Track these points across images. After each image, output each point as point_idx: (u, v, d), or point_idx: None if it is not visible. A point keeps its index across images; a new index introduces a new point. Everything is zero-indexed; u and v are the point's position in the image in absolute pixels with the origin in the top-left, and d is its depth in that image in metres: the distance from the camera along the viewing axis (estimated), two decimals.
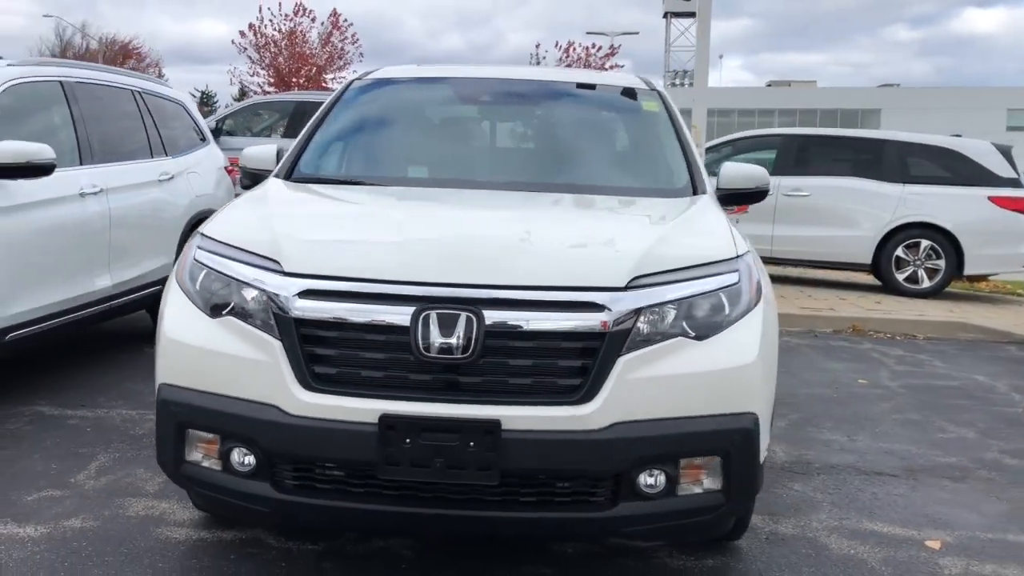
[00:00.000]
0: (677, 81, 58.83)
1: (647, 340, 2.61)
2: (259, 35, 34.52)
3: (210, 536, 3.27)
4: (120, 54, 63.06)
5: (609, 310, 2.57)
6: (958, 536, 3.52)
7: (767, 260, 10.20)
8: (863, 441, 4.70)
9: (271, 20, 34.33)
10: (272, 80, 35.05)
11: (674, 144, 3.88)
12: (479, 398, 2.54)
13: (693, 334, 2.68)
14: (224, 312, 2.71)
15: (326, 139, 3.93)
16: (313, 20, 35.15)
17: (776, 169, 10.22)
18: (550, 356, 2.56)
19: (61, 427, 4.44)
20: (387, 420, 2.51)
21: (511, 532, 2.70)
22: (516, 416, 2.51)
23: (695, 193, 3.61)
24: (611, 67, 36.01)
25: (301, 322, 2.59)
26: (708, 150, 10.81)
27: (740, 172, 3.85)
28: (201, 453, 2.74)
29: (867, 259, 9.87)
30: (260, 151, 3.90)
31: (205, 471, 2.74)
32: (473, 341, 2.52)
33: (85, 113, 5.32)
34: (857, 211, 9.88)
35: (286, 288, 2.63)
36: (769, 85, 65.04)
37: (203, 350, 2.71)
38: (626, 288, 2.62)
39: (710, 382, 2.66)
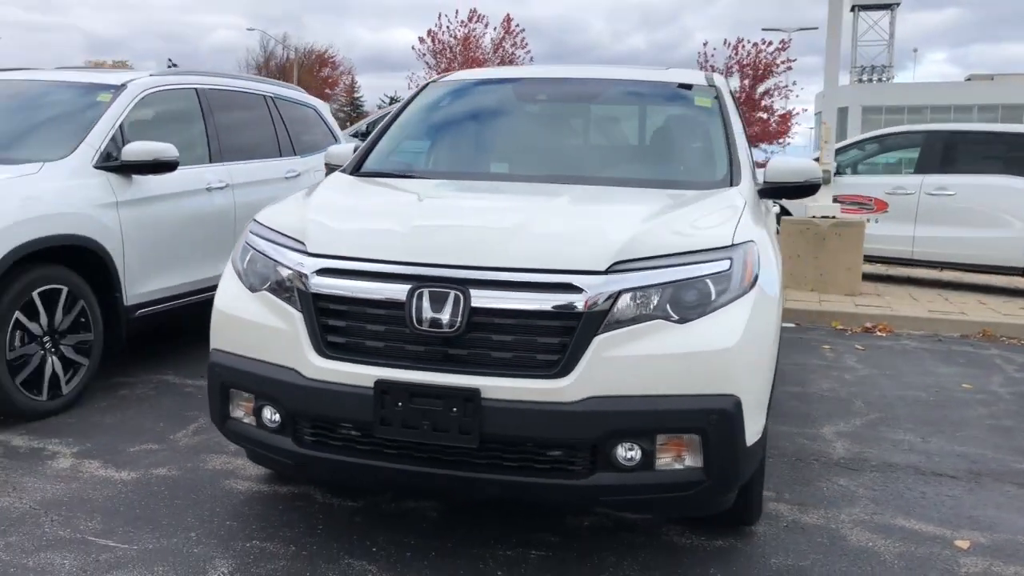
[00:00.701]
0: (865, 77, 56.28)
1: (626, 321, 2.78)
2: (436, 41, 36.06)
3: (268, 489, 3.69)
4: (316, 63, 67.04)
5: (586, 292, 2.76)
6: (995, 538, 3.44)
7: (907, 263, 9.83)
8: (936, 443, 4.59)
9: (447, 27, 35.78)
10: None
11: (719, 138, 3.97)
12: (463, 368, 2.79)
13: (676, 317, 2.82)
14: (262, 287, 3.10)
15: (394, 137, 4.29)
16: (486, 26, 36.36)
17: (919, 167, 9.80)
18: (530, 333, 2.78)
19: (178, 394, 5.02)
20: (382, 385, 2.81)
21: (494, 493, 2.92)
22: (495, 386, 2.75)
23: (731, 185, 3.70)
24: (783, 63, 35.00)
25: (317, 296, 2.93)
26: (848, 147, 10.50)
27: (788, 166, 3.90)
28: (241, 410, 3.13)
29: (1020, 262, 9.31)
30: (341, 149, 4.32)
31: (244, 426, 3.13)
32: (460, 317, 2.77)
33: (216, 116, 5.95)
34: (1008, 211, 9.33)
35: (307, 266, 2.98)
36: (969, 79, 60.98)
37: (243, 320, 3.11)
38: (607, 272, 2.80)
39: (688, 363, 2.79)
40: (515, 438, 2.78)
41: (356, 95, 69.38)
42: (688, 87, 4.30)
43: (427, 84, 4.64)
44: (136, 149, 5.00)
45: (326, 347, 2.91)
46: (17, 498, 3.54)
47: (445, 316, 2.78)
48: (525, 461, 2.82)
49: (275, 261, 3.09)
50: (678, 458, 2.84)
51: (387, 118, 4.38)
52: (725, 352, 2.82)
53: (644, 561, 3.15)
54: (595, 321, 2.76)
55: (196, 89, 5.91)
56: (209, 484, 3.72)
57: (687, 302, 2.86)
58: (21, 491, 3.61)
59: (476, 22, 35.53)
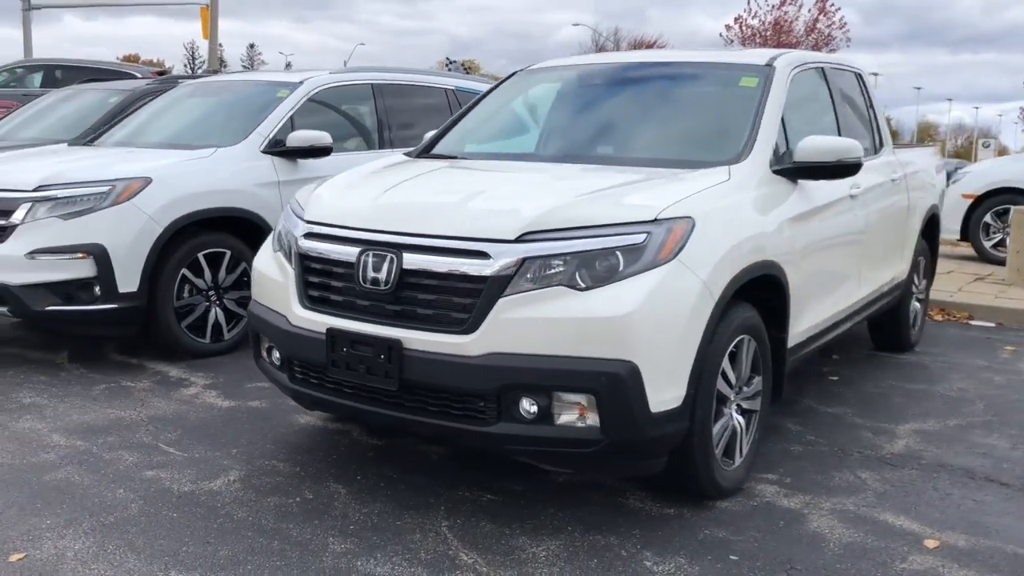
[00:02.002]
0: None
1: (530, 286, 3.04)
2: (744, 27, 35.23)
3: (320, 424, 4.32)
4: None
5: (494, 258, 3.06)
6: (978, 543, 3.21)
7: None
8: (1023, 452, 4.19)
9: (756, 11, 34.80)
10: None
11: (748, 117, 3.96)
12: (392, 321, 3.21)
13: (582, 285, 3.03)
14: (279, 249, 3.72)
15: (470, 120, 4.73)
16: (799, 8, 34.83)
17: None
18: (446, 293, 3.14)
19: None
20: (332, 332, 3.31)
21: (423, 432, 3.31)
22: (415, 338, 3.14)
23: (738, 162, 3.72)
24: None
25: (302, 256, 3.50)
26: None
27: (817, 145, 3.84)
28: (266, 352, 3.78)
29: None
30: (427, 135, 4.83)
31: (268, 365, 3.78)
32: (392, 276, 3.20)
33: (389, 108, 6.71)
34: None
35: (299, 230, 3.55)
36: None
37: (265, 276, 3.75)
38: (515, 241, 3.07)
39: (585, 328, 3.00)
40: (428, 384, 3.15)
41: None
42: (742, 67, 4.30)
43: (514, 72, 5.02)
44: (298, 136, 5.87)
45: (306, 299, 3.46)
46: (137, 412, 4.47)
47: (382, 275, 3.22)
48: (443, 407, 3.18)
49: (287, 227, 3.70)
50: (581, 417, 3.05)
51: (470, 103, 4.83)
52: (620, 319, 2.98)
53: (582, 516, 3.36)
54: (500, 285, 3.05)
55: (371, 84, 6.72)
56: (279, 416, 4.42)
57: (593, 271, 3.05)
58: (145, 407, 4.55)
59: (789, 4, 34.29)
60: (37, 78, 14.88)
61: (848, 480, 3.78)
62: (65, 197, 5.13)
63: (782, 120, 4.06)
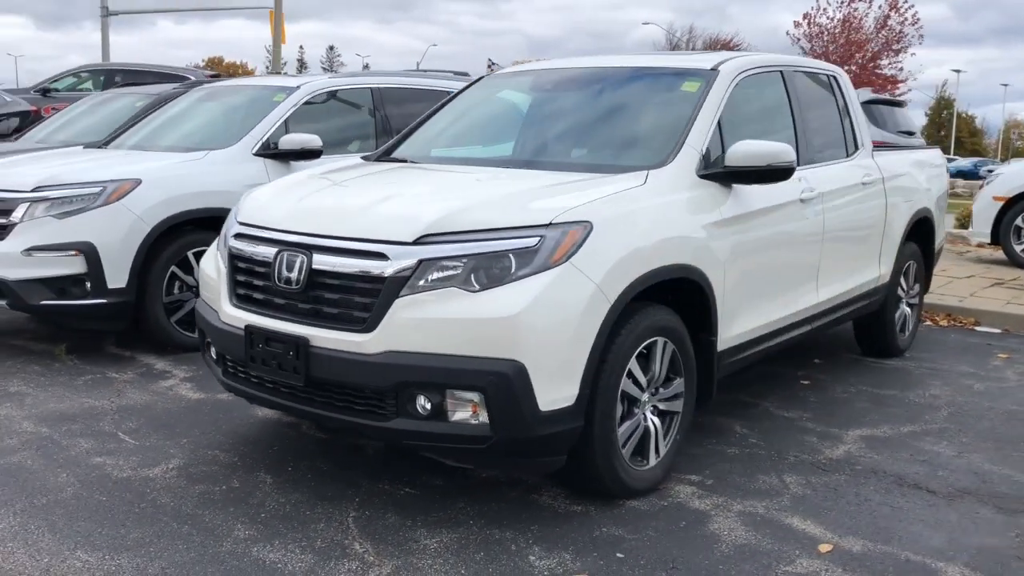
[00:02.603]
0: None
1: (425, 287, 3.15)
2: (813, 24, 34.54)
3: (274, 418, 4.49)
4: (722, 51, 67.38)
5: (392, 260, 3.19)
6: (875, 549, 3.21)
7: None
8: (969, 460, 4.12)
9: (825, 8, 34.09)
10: None
11: (681, 122, 4.00)
12: (302, 319, 3.36)
13: (476, 287, 3.13)
14: (218, 248, 3.91)
15: (433, 124, 4.85)
16: (870, 5, 33.99)
17: None
18: (349, 292, 3.27)
19: None
20: (249, 329, 3.48)
21: (335, 426, 3.44)
22: (320, 336, 3.29)
23: (660, 167, 3.77)
24: None
25: (231, 255, 3.68)
26: None
27: (749, 150, 3.86)
28: (206, 347, 3.97)
29: None
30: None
31: (209, 359, 3.97)
32: (302, 276, 3.35)
33: (389, 112, 6.88)
34: None
35: (231, 230, 3.73)
36: None
37: (205, 273, 3.94)
38: (413, 244, 3.19)
39: (474, 328, 3.10)
40: (332, 381, 3.29)
41: None
42: (687, 72, 4.33)
43: (480, 78, 5.12)
44: (289, 139, 6.08)
45: (235, 297, 3.64)
46: (111, 402, 4.72)
47: (294, 275, 3.37)
48: (347, 402, 3.31)
49: (225, 227, 3.88)
50: (475, 414, 3.16)
51: (432, 109, 4.96)
52: (507, 320, 3.08)
53: (488, 511, 3.46)
54: (398, 285, 3.17)
55: (371, 88, 6.90)
56: (240, 409, 4.60)
57: (487, 273, 3.15)
58: (120, 397, 4.80)
59: (859, 1, 33.40)
60: (99, 82, 15.52)
61: (771, 484, 3.79)
62: (60, 197, 5.42)
63: (719, 124, 4.08)
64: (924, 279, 6.28)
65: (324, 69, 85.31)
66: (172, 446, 4.09)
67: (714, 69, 4.27)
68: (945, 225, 6.80)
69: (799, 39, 35.14)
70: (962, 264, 9.58)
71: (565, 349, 3.17)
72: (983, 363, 5.91)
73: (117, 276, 5.42)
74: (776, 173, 3.89)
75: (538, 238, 3.18)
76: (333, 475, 3.78)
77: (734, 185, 3.99)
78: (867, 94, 11.22)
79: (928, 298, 7.46)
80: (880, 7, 34.33)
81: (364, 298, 3.23)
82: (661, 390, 3.68)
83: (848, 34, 34.52)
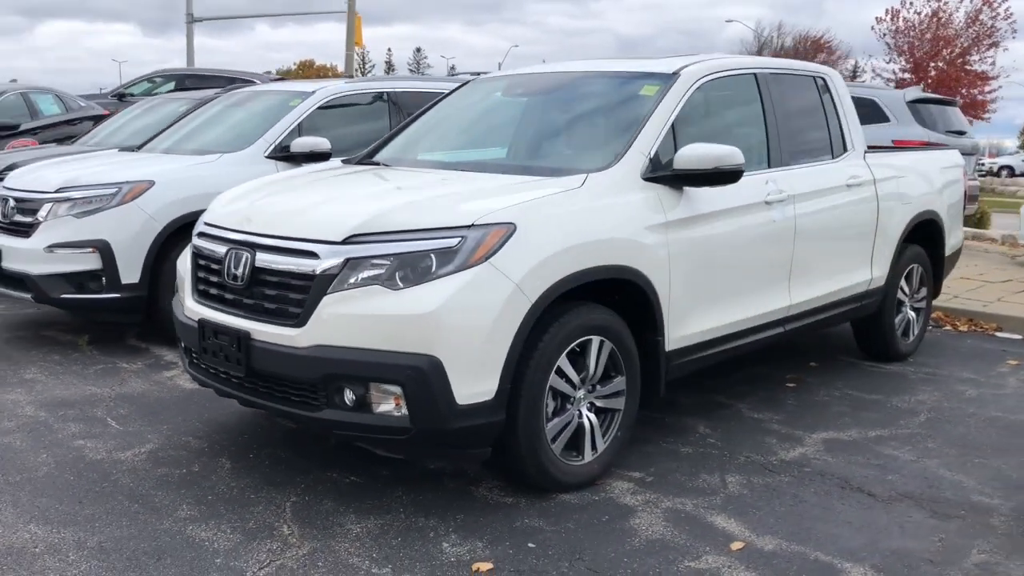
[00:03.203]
0: None
1: (352, 284, 3.32)
2: (898, 19, 33.56)
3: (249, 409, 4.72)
4: (812, 49, 66.18)
5: (322, 258, 3.37)
6: (785, 548, 3.24)
7: None
8: (924, 465, 4.08)
9: (912, 2, 33.09)
10: (908, 65, 33.76)
11: (633, 126, 4.07)
12: (246, 314, 3.57)
13: (399, 285, 3.29)
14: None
15: (413, 128, 5.02)
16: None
17: None
18: (285, 289, 3.47)
19: None
20: (201, 323, 3.71)
21: (270, 413, 3.63)
22: (260, 330, 3.49)
23: (604, 170, 3.86)
24: None
25: (193, 253, 3.92)
26: None
27: (696, 153, 3.92)
28: (179, 339, 4.22)
29: None
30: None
31: (180, 351, 4.22)
32: (247, 273, 3.56)
33: (404, 116, 7.08)
34: None
35: (198, 229, 3.97)
36: None
37: (178, 270, 4.19)
38: (342, 243, 3.36)
39: (395, 324, 3.26)
40: (269, 373, 3.49)
41: (857, 79, 66.91)
42: (647, 77, 4.39)
43: (467, 81, 5.27)
44: (301, 142, 6.33)
45: (196, 292, 3.88)
46: (111, 390, 5.03)
47: (239, 271, 3.59)
48: (284, 393, 3.51)
49: (197, 227, 4.13)
50: (397, 407, 3.31)
51: (417, 113, 5.14)
52: (424, 317, 3.23)
53: (422, 500, 3.61)
54: (327, 282, 3.35)
55: (387, 92, 7.12)
56: (224, 400, 4.82)
57: (410, 272, 3.30)
58: (122, 386, 5.11)
59: None
60: (170, 86, 16.22)
61: (710, 483, 3.84)
62: (80, 198, 5.79)
63: (674, 128, 4.13)
64: (932, 283, 6.16)
65: (411, 71, 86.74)
66: (151, 432, 4.36)
67: (675, 73, 4.33)
68: (961, 228, 6.63)
69: (884, 35, 34.19)
70: (1005, 267, 9.29)
71: (482, 345, 3.29)
72: (988, 369, 5.78)
73: (130, 272, 5.75)
74: (724, 176, 3.94)
75: (459, 239, 3.31)
76: (289, 463, 3.98)
77: (686, 188, 4.04)
78: (914, 93, 10.99)
79: (951, 303, 7.32)
80: (972, 1, 33.17)
81: (298, 294, 3.42)
82: (599, 387, 3.77)
83: (936, 29, 33.43)
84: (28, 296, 5.87)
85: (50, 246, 5.72)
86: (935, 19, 33.12)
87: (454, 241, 3.31)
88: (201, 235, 3.90)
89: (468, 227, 3.34)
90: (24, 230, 5.88)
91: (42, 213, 5.80)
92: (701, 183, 3.98)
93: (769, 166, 4.63)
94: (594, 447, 3.76)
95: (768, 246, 4.52)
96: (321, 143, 6.31)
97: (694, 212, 4.07)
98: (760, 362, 5.73)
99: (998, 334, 6.82)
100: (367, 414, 3.35)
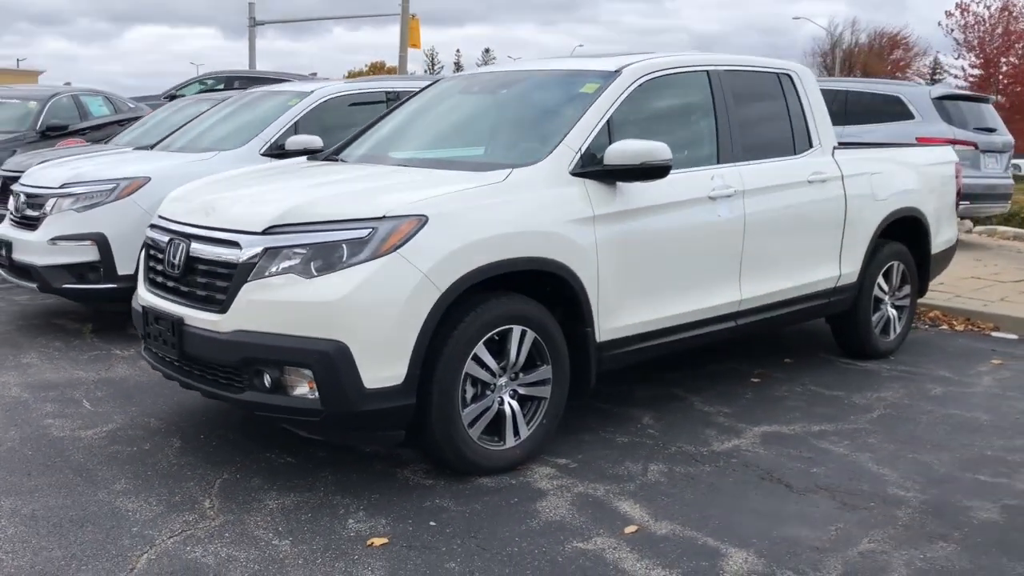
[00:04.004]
0: None
1: (269, 273, 3.52)
2: (967, 14, 32.67)
3: None
4: (888, 45, 64.90)
5: (243, 248, 3.56)
6: (677, 532, 3.32)
7: None
8: (855, 458, 4.09)
9: None
10: (978, 62, 32.83)
11: (567, 121, 4.18)
12: (180, 300, 3.80)
13: (314, 273, 3.47)
14: None
15: (382, 125, 5.20)
16: None
17: None
18: (213, 277, 3.68)
19: None
20: (144, 308, 3.95)
21: (204, 395, 3.83)
22: (191, 316, 3.71)
23: (532, 164, 3.98)
24: None
25: (145, 243, 4.16)
26: None
27: (624, 149, 4.02)
28: None
29: None
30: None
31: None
32: (182, 262, 3.78)
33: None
34: None
35: (151, 221, 4.21)
36: None
37: (139, 262, 4.44)
38: (262, 233, 3.56)
39: (306, 311, 3.45)
40: (197, 356, 3.70)
41: (937, 76, 65.41)
42: (590, 75, 4.49)
43: (436, 80, 5.43)
44: (294, 140, 6.51)
45: (146, 281, 4.12)
46: (96, 374, 5.33)
47: (176, 260, 3.81)
48: (213, 375, 3.72)
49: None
50: (311, 390, 3.49)
51: (390, 108, 5.32)
52: (332, 304, 3.41)
53: (346, 481, 3.77)
54: (247, 271, 3.54)
55: (386, 92, 7.34)
56: None
57: (323, 261, 3.48)
58: (108, 370, 5.40)
59: None
60: (219, 88, 16.75)
61: (631, 471, 3.93)
62: (81, 193, 6.12)
63: (609, 124, 4.22)
64: (917, 281, 6.10)
65: None
66: (119, 413, 4.62)
67: (617, 71, 4.42)
68: (954, 226, 6.54)
69: (952, 30, 33.33)
70: None
71: (389, 332, 3.44)
72: (967, 368, 5.71)
73: (126, 264, 6.05)
74: (651, 171, 4.02)
75: (370, 230, 3.47)
76: (235, 444, 4.19)
77: (620, 183, 4.13)
78: (941, 89, 10.80)
79: (951, 302, 7.23)
80: None
81: (223, 282, 3.62)
82: (522, 375, 3.88)
83: (1007, 23, 32.45)
84: (34, 285, 6.22)
85: (53, 239, 6.06)
86: (1005, 13, 32.16)
87: (365, 232, 3.47)
88: (152, 227, 4.14)
89: (379, 219, 3.50)
90: (32, 223, 6.24)
91: (47, 207, 6.15)
92: (630, 178, 4.07)
93: (718, 162, 4.68)
94: (516, 433, 3.88)
95: (713, 241, 4.58)
96: (314, 141, 6.51)
97: (628, 206, 4.16)
98: (732, 357, 5.77)
99: (993, 334, 6.71)
100: (284, 396, 3.53)
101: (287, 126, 6.76)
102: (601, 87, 4.33)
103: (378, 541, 3.25)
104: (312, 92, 7.04)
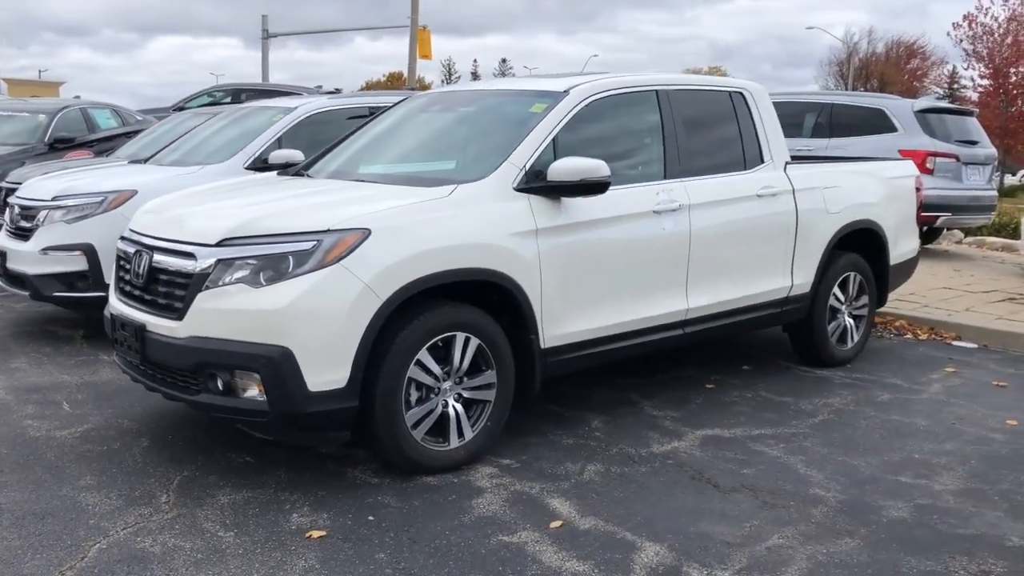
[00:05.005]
0: None
1: (222, 282, 3.76)
2: (975, 25, 32.69)
3: None
4: (905, 54, 64.82)
5: (198, 259, 3.82)
6: (600, 528, 3.53)
7: None
8: (786, 461, 4.30)
9: (989, 8, 32.19)
10: (987, 72, 32.83)
11: (512, 139, 4.41)
12: (143, 308, 4.05)
13: (263, 283, 3.72)
14: None
15: (344, 142, 5.45)
16: None
17: None
18: (171, 286, 3.93)
19: None
20: (112, 315, 4.21)
21: (165, 396, 4.07)
22: (152, 322, 3.96)
23: (476, 181, 4.21)
24: None
25: (117, 255, 4.42)
26: None
27: (566, 166, 4.25)
28: None
29: None
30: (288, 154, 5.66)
31: None
32: (145, 272, 4.04)
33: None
34: None
35: (122, 234, 4.48)
36: None
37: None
38: (216, 245, 3.81)
39: (254, 318, 3.69)
40: (158, 361, 3.96)
41: (955, 87, 65.22)
42: (540, 95, 4.72)
43: (406, 96, 5.69)
44: (277, 155, 6.77)
45: (117, 290, 4.38)
46: (80, 378, 5.59)
47: (140, 270, 4.07)
48: (172, 379, 3.97)
49: None
50: (260, 392, 3.73)
51: (360, 124, 5.57)
52: (277, 311, 3.65)
53: (300, 479, 4.00)
54: (201, 280, 3.79)
55: (369, 107, 7.59)
56: None
57: (271, 272, 3.73)
58: (92, 375, 5.67)
59: None
60: (227, 100, 17.11)
61: (569, 471, 4.14)
62: (72, 205, 6.41)
63: (555, 142, 4.45)
64: (874, 291, 6.28)
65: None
66: (95, 414, 4.88)
67: (565, 92, 4.65)
68: (915, 237, 6.72)
69: (960, 40, 33.35)
70: (1002, 279, 9.22)
71: (331, 338, 3.68)
72: (919, 376, 5.89)
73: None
74: (591, 187, 4.24)
75: (315, 242, 3.72)
76: (200, 444, 4.43)
77: (564, 199, 4.36)
78: (924, 102, 10.96)
79: (917, 311, 7.40)
80: None
81: (180, 290, 3.88)
82: (466, 379, 4.11)
83: (1016, 33, 32.43)
84: (27, 293, 6.51)
85: (44, 249, 6.35)
86: (1015, 23, 32.13)
87: (310, 244, 3.71)
88: (122, 238, 4.40)
89: (324, 232, 3.74)
90: (25, 234, 6.54)
91: (39, 219, 6.45)
92: (572, 194, 4.30)
93: (665, 177, 4.89)
94: (461, 435, 4.11)
95: (658, 253, 4.79)
96: (295, 155, 6.74)
97: (572, 220, 4.38)
98: (691, 364, 5.97)
99: (955, 343, 6.88)
100: (235, 398, 3.78)
101: (271, 141, 7.03)
102: (549, 107, 4.56)
103: (316, 534, 3.48)
104: (296, 108, 7.32)
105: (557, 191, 4.29)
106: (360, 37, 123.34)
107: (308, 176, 5.04)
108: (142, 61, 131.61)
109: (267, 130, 7.10)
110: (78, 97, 16.61)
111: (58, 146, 12.82)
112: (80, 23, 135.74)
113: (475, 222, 4.09)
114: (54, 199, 6.45)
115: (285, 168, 6.58)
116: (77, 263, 6.33)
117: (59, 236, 6.36)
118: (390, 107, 5.64)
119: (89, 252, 6.28)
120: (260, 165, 6.85)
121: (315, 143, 7.04)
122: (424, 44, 29.47)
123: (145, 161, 7.84)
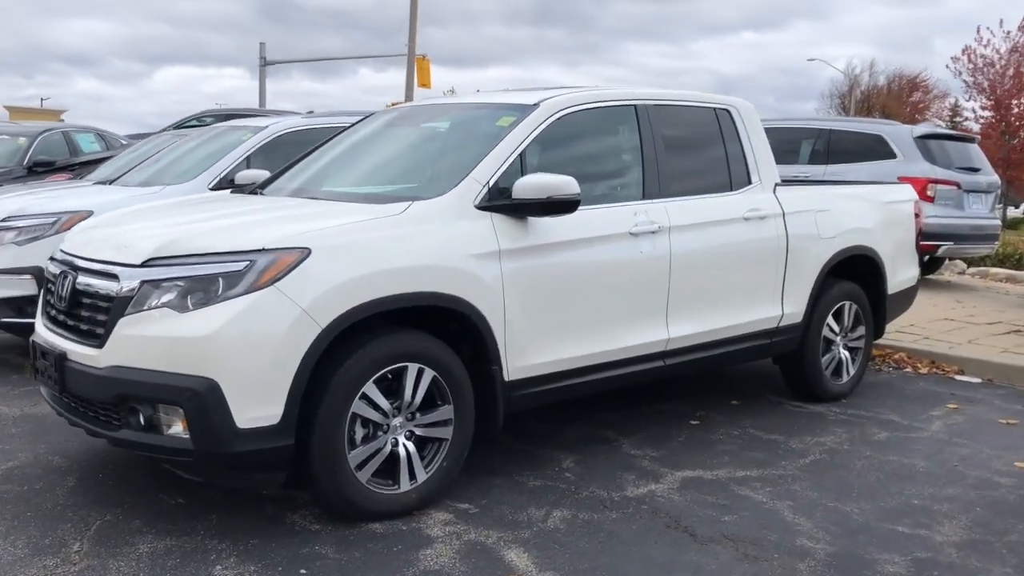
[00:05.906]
0: None
1: (145, 307, 3.41)
2: (974, 57, 32.52)
3: None
4: (907, 87, 64.88)
5: (120, 281, 3.46)
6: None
7: None
8: (773, 506, 3.91)
9: (989, 40, 32.03)
10: (989, 104, 32.60)
11: (475, 154, 4.07)
12: (65, 335, 3.69)
13: (189, 307, 3.36)
14: None
15: (305, 159, 5.12)
16: None
17: None
18: (93, 310, 3.58)
19: None
20: (33, 343, 3.85)
21: (87, 432, 3.70)
22: (73, 350, 3.60)
23: (435, 197, 3.87)
24: None
25: (44, 277, 4.07)
26: None
27: (532, 183, 3.90)
28: None
29: None
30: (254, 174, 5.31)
31: None
32: (68, 294, 3.68)
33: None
34: None
35: (51, 255, 4.13)
36: None
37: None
38: (140, 266, 3.45)
39: (177, 346, 3.33)
40: (77, 392, 3.59)
41: (956, 119, 65.25)
42: (508, 108, 4.39)
43: (371, 113, 5.36)
44: (243, 175, 6.42)
45: (43, 314, 4.02)
46: (21, 410, 5.22)
47: (64, 293, 3.71)
48: (92, 412, 3.60)
49: None
50: (185, 429, 3.36)
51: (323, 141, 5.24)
52: (202, 339, 3.28)
53: (231, 525, 3.62)
54: (124, 304, 3.44)
55: (342, 127, 7.26)
56: None
57: (199, 295, 3.37)
58: (33, 406, 5.28)
59: None
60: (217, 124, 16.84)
61: (532, 517, 3.76)
62: (23, 227, 6.07)
63: (522, 158, 4.11)
64: (872, 322, 5.91)
65: None
66: (25, 450, 4.50)
67: (535, 105, 4.32)
68: (915, 265, 6.36)
69: (960, 73, 33.17)
70: (1007, 310, 8.84)
71: (263, 369, 3.31)
72: (919, 413, 5.51)
73: None
74: (559, 205, 3.90)
75: (247, 263, 3.36)
76: (131, 483, 4.06)
77: (531, 218, 4.01)
78: (924, 128, 10.67)
79: (918, 343, 7.04)
80: None
81: (102, 315, 3.52)
82: (419, 415, 3.74)
83: (1018, 65, 32.25)
84: None
85: None
86: (1015, 54, 31.94)
87: (241, 265, 3.36)
88: (51, 259, 4.05)
89: (258, 251, 3.39)
90: None
91: None
92: (538, 212, 3.95)
93: (644, 197, 4.55)
94: (412, 476, 3.73)
95: (635, 278, 4.43)
96: (262, 175, 6.44)
97: (540, 241, 4.03)
98: (676, 397, 5.61)
99: (958, 377, 6.50)
100: (157, 435, 3.40)
101: (238, 160, 6.71)
102: (516, 121, 4.23)
103: None
104: (266, 127, 7.00)
105: (522, 210, 3.94)
106: (364, 68, 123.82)
107: (261, 194, 4.70)
108: (149, 91, 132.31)
109: (234, 150, 6.78)
110: (62, 121, 16.36)
111: (37, 169, 12.53)
112: (88, 53, 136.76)
113: (430, 241, 3.74)
114: (5, 220, 6.11)
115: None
116: (26, 287, 5.97)
117: (9, 259, 6.02)
118: (355, 123, 5.32)
119: (39, 276, 5.88)
120: (225, 185, 6.52)
121: (286, 163, 6.76)
122: (423, 73, 29.39)
123: (112, 182, 7.52)
